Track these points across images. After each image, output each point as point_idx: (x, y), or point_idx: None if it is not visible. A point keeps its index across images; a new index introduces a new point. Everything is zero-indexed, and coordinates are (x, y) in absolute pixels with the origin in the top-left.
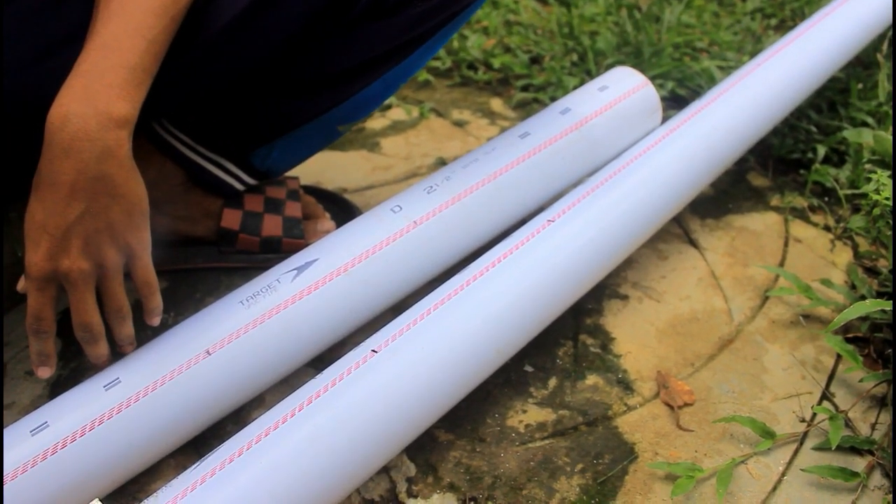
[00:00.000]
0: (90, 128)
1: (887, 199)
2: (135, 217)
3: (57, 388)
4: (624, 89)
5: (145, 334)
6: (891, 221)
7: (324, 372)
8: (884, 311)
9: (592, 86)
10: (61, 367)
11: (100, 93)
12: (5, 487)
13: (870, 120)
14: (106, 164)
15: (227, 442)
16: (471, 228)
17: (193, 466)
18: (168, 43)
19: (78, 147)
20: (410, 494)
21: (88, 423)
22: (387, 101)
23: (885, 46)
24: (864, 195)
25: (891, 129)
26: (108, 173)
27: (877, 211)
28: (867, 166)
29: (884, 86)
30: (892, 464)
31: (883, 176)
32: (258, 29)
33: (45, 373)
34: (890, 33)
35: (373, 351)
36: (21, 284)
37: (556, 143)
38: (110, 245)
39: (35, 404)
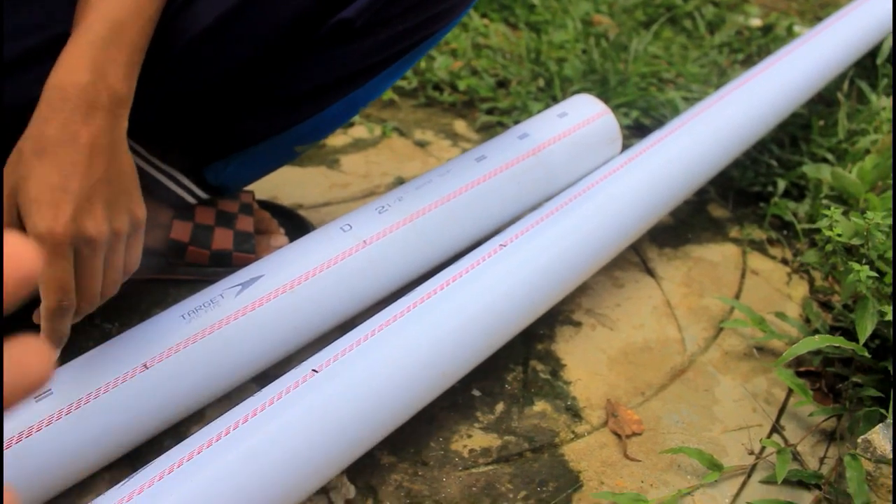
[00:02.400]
0: (103, 100)
1: (839, 235)
2: (138, 189)
3: None
4: (583, 116)
5: (87, 345)
6: (843, 258)
7: (263, 390)
8: (836, 347)
9: (552, 112)
10: None
11: (109, 69)
12: None
13: (829, 156)
14: (115, 136)
15: (161, 456)
16: (422, 250)
17: (125, 480)
18: (151, 33)
19: (94, 115)
20: None
21: (16, 435)
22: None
23: (845, 85)
24: (821, 230)
25: (850, 165)
26: (118, 144)
27: (829, 247)
28: (824, 202)
29: (844, 124)
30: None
31: (836, 212)
32: (222, 45)
33: (56, 355)
34: (850, 72)
35: (313, 370)
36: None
37: (512, 167)
38: (124, 212)
39: None
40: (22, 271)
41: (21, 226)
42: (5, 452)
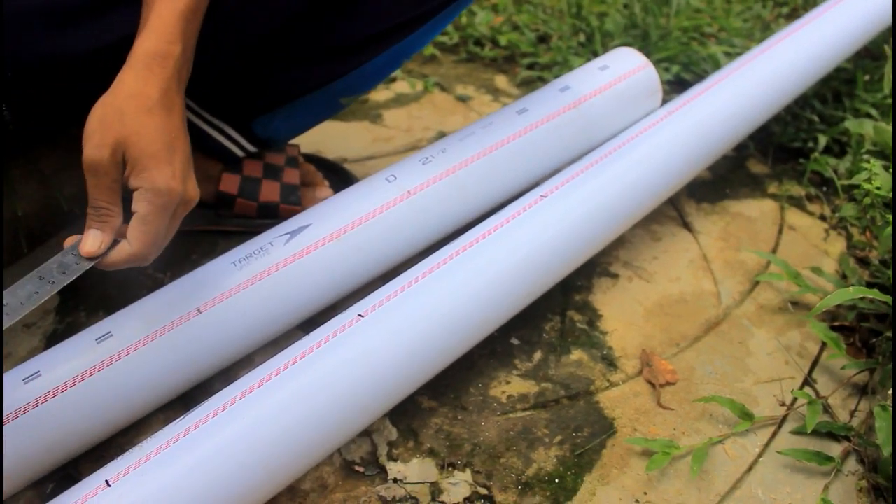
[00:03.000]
0: (184, 75)
1: (878, 188)
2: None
3: (52, 341)
4: (624, 70)
5: (141, 294)
6: (882, 212)
7: (311, 334)
8: (871, 301)
9: (593, 65)
10: (58, 321)
11: (190, 42)
12: None
13: (874, 112)
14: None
15: (212, 397)
16: (464, 201)
17: (179, 419)
18: None
19: (182, 90)
20: (391, 458)
21: (80, 375)
22: (392, 74)
23: (892, 39)
24: (860, 185)
25: (892, 120)
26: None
27: (867, 200)
28: (865, 157)
29: (890, 78)
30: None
31: (876, 165)
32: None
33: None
34: None
35: (359, 315)
36: (72, 240)
37: (553, 119)
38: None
39: (31, 355)
40: None
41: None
42: (66, 391)
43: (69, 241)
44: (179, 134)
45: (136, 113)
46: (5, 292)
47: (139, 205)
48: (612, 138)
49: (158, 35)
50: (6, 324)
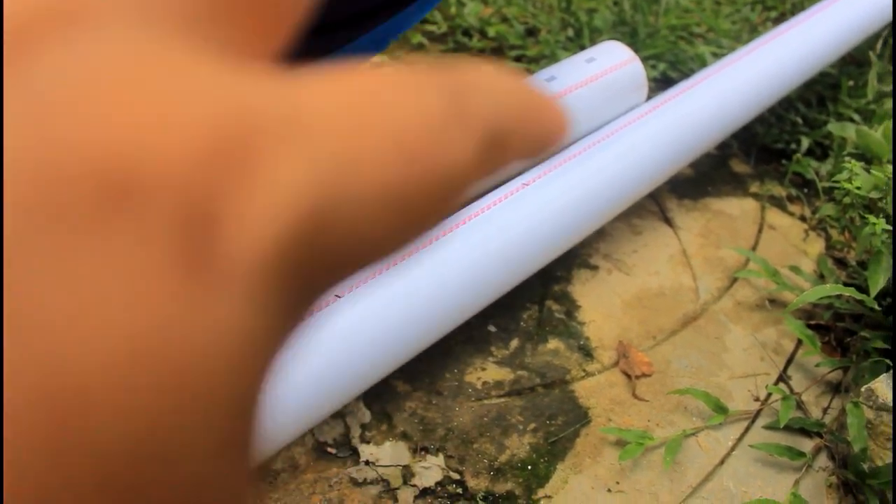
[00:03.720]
0: None
1: (858, 188)
2: None
3: None
4: (611, 62)
5: None
6: (861, 212)
7: None
8: (846, 300)
9: (580, 57)
10: None
11: None
12: None
13: (856, 117)
14: None
15: None
16: None
17: None
18: None
19: None
20: (363, 440)
21: None
22: (378, 61)
23: (878, 45)
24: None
25: (876, 125)
26: None
27: (847, 200)
28: (847, 159)
29: (873, 84)
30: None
31: (856, 165)
32: None
33: None
34: (885, 32)
35: (336, 296)
36: None
37: None
38: None
39: None
40: None
41: None
42: None
43: None
44: None
45: None
46: None
47: None
48: (596, 130)
49: None
50: None
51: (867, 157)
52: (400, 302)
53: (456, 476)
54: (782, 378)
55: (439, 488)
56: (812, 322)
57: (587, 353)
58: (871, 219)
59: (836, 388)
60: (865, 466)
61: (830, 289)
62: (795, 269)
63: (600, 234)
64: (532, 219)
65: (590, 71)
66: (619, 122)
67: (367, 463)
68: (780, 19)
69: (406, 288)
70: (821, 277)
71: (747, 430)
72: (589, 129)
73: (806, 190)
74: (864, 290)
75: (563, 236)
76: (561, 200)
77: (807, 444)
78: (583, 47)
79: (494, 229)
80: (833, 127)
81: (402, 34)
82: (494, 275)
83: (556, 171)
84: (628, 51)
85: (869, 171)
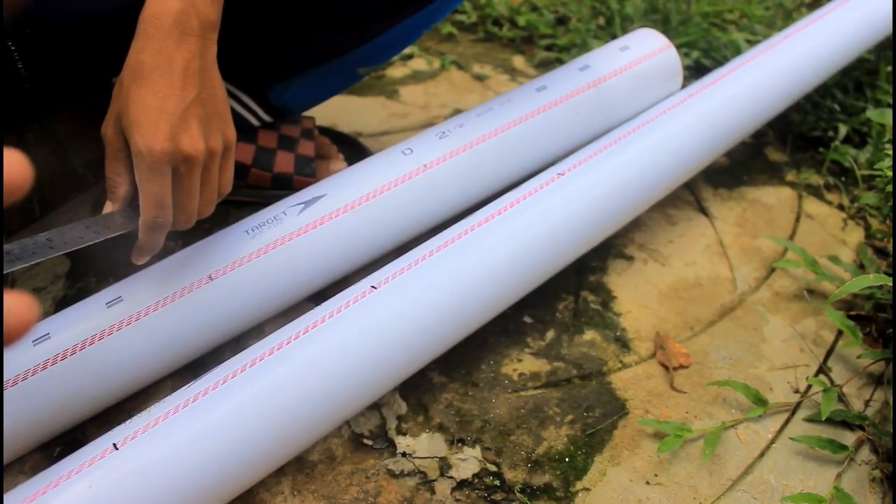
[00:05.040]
0: (194, 25)
1: None
2: (228, 110)
3: (62, 306)
4: (645, 51)
5: (151, 261)
6: None
7: (323, 303)
8: (888, 291)
9: (614, 45)
10: (68, 286)
11: None
12: (5, 393)
13: None
14: (206, 60)
15: (222, 364)
16: (480, 176)
17: (188, 385)
18: None
19: (186, 41)
20: (400, 432)
21: (89, 338)
22: (409, 51)
23: None
24: (881, 174)
25: None
26: (208, 67)
27: (889, 188)
28: (887, 146)
29: None
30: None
31: None
32: None
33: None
34: None
35: (372, 287)
36: (108, 207)
37: (572, 98)
38: (217, 131)
39: (41, 319)
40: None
41: (129, 153)
42: (76, 354)
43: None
44: (173, 91)
45: (128, 84)
46: (53, 231)
47: (134, 171)
48: (630, 119)
49: None
50: (49, 255)
51: None
52: (435, 293)
53: (493, 468)
54: (822, 370)
55: (476, 480)
56: (853, 312)
57: (624, 344)
58: None
59: (878, 380)
60: None
61: (873, 279)
62: (834, 259)
63: (636, 225)
64: (567, 208)
65: (624, 59)
66: (653, 111)
67: (403, 455)
68: (815, 5)
69: (441, 279)
70: (860, 267)
71: (787, 422)
72: (623, 118)
73: (843, 178)
74: None
75: (599, 226)
76: (596, 190)
77: (849, 437)
78: (614, 36)
79: (530, 219)
80: (872, 114)
81: (434, 25)
82: (530, 265)
83: (591, 160)
84: (663, 38)
85: None
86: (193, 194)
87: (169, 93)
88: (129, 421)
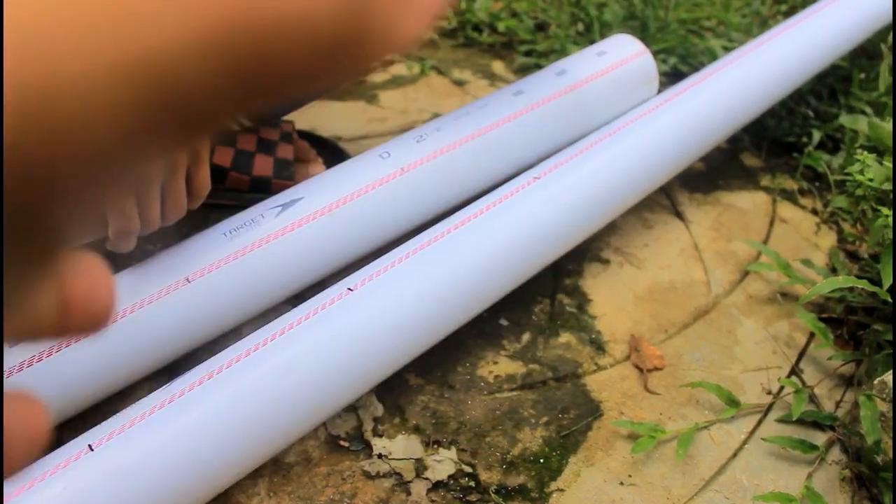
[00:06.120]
0: None
1: (871, 180)
2: None
3: None
4: (622, 56)
5: (129, 263)
6: (873, 204)
7: (299, 306)
8: (859, 293)
9: (591, 50)
10: None
11: None
12: None
13: (868, 110)
14: None
15: (198, 366)
16: (458, 180)
17: (164, 386)
18: None
19: None
20: (376, 433)
21: (64, 341)
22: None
23: (890, 37)
24: (852, 178)
25: (888, 118)
26: None
27: (860, 192)
28: (858, 151)
29: (885, 77)
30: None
31: (868, 158)
32: None
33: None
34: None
35: (349, 289)
36: None
37: (549, 102)
38: None
39: None
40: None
41: None
42: (54, 355)
43: None
44: None
45: None
46: None
47: None
48: (607, 123)
49: None
50: None
51: (879, 150)
52: (412, 295)
53: (468, 469)
54: (794, 371)
55: (452, 481)
56: (824, 315)
57: (599, 346)
58: (884, 211)
59: (848, 382)
60: (879, 459)
61: (843, 281)
62: (807, 263)
63: (611, 228)
64: (544, 212)
65: (601, 64)
66: (630, 116)
67: (379, 456)
68: (791, 12)
69: (418, 281)
70: (833, 271)
71: (760, 423)
72: (600, 123)
73: (817, 183)
74: (876, 282)
75: (575, 230)
76: (572, 194)
77: (820, 438)
78: (593, 42)
79: (506, 222)
80: (845, 119)
81: None
82: (506, 268)
83: (567, 164)
84: (639, 44)
85: (881, 163)
86: (153, 205)
87: None
88: (104, 422)
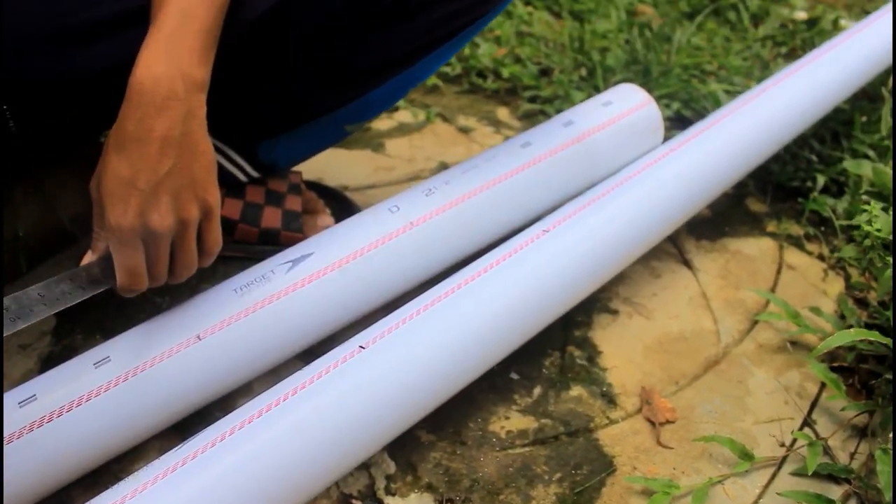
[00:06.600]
0: (179, 89)
1: (878, 230)
2: (212, 174)
3: (48, 363)
4: (627, 106)
5: (138, 317)
6: (881, 253)
7: (311, 364)
8: (870, 342)
9: (597, 100)
10: (54, 343)
11: (183, 57)
12: None
13: (871, 153)
14: (190, 124)
15: (210, 427)
16: (467, 233)
17: (175, 448)
18: (225, 13)
19: (169, 106)
20: (389, 492)
21: (76, 399)
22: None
23: (890, 81)
24: (859, 226)
25: (891, 163)
26: (192, 131)
27: (868, 242)
28: (864, 198)
29: (887, 120)
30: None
31: (876, 208)
32: (283, 25)
33: None
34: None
35: (360, 346)
36: (88, 257)
37: (556, 154)
38: (192, 201)
39: (26, 378)
40: None
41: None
42: (64, 415)
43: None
44: (147, 164)
45: (110, 150)
46: (40, 286)
47: (108, 240)
48: (614, 174)
49: (142, 63)
50: (44, 313)
51: (884, 195)
52: (423, 352)
53: None
54: (808, 423)
55: None
56: (835, 364)
57: (610, 399)
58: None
59: (862, 432)
60: None
61: (855, 333)
62: (816, 311)
63: (620, 278)
64: (554, 265)
65: (607, 114)
66: (637, 165)
67: None
68: (791, 55)
69: (429, 337)
70: (842, 318)
71: (774, 476)
72: (607, 172)
73: (823, 228)
74: (885, 330)
75: (585, 282)
76: (582, 246)
77: (836, 491)
78: (596, 87)
79: (516, 277)
80: (849, 164)
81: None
82: (518, 322)
83: (575, 216)
84: (644, 93)
85: (888, 212)
86: (162, 263)
87: (143, 166)
88: (115, 486)
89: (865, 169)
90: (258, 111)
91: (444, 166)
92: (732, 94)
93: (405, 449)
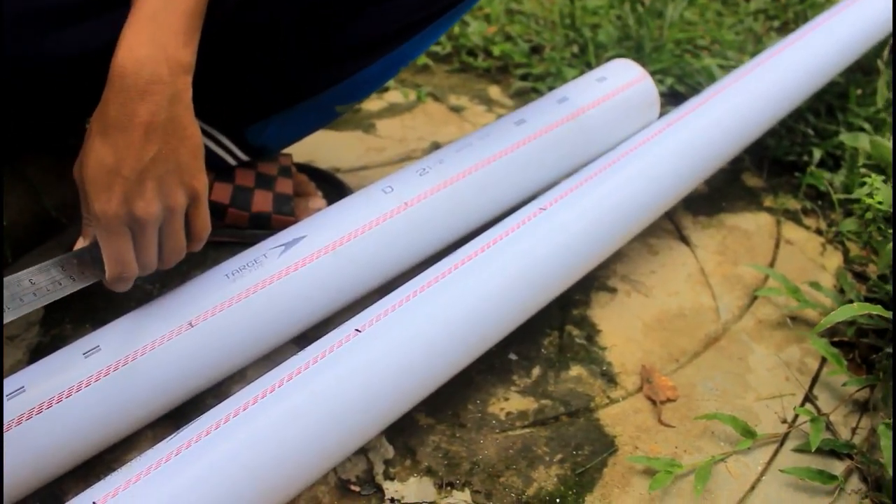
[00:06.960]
0: (163, 72)
1: (880, 203)
2: (198, 159)
3: (36, 354)
4: (622, 81)
5: (129, 305)
6: (882, 226)
7: (306, 349)
8: (870, 317)
9: (591, 76)
10: (42, 333)
11: (167, 39)
12: None
13: (867, 126)
14: (175, 108)
15: (203, 415)
16: (462, 213)
17: (169, 438)
18: None
19: (153, 90)
20: (387, 477)
21: (66, 390)
22: (385, 84)
23: (885, 53)
24: (857, 200)
25: (888, 135)
26: (178, 115)
27: (869, 215)
28: (862, 171)
29: (882, 92)
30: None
31: (877, 180)
32: (271, 2)
33: None
34: (891, 40)
35: (356, 330)
36: (80, 244)
37: (551, 131)
38: (179, 186)
39: (14, 369)
40: None
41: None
42: (54, 406)
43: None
44: (131, 151)
45: (94, 136)
46: (31, 270)
47: (95, 228)
48: (610, 150)
49: (124, 45)
50: (33, 306)
51: (882, 167)
52: (420, 334)
53: None
54: (809, 398)
55: None
56: (835, 339)
57: (610, 378)
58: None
59: (863, 407)
60: None
61: (858, 308)
62: (815, 285)
63: (617, 255)
64: (551, 243)
65: (602, 90)
66: (632, 142)
67: (392, 500)
68: (784, 28)
69: (426, 319)
70: (841, 292)
71: (776, 453)
72: (603, 149)
73: (820, 202)
74: (885, 304)
75: (583, 260)
76: (579, 224)
77: (838, 467)
78: (588, 63)
79: (513, 255)
80: (845, 138)
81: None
82: (515, 302)
83: (572, 193)
84: (639, 69)
85: (888, 184)
86: (150, 250)
87: (127, 152)
88: (109, 476)
89: (863, 142)
90: (247, 92)
91: (436, 146)
92: (726, 69)
93: (404, 433)
